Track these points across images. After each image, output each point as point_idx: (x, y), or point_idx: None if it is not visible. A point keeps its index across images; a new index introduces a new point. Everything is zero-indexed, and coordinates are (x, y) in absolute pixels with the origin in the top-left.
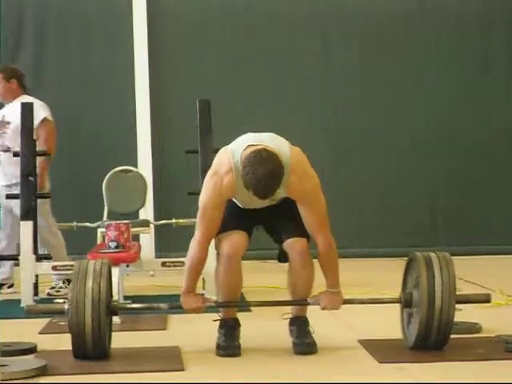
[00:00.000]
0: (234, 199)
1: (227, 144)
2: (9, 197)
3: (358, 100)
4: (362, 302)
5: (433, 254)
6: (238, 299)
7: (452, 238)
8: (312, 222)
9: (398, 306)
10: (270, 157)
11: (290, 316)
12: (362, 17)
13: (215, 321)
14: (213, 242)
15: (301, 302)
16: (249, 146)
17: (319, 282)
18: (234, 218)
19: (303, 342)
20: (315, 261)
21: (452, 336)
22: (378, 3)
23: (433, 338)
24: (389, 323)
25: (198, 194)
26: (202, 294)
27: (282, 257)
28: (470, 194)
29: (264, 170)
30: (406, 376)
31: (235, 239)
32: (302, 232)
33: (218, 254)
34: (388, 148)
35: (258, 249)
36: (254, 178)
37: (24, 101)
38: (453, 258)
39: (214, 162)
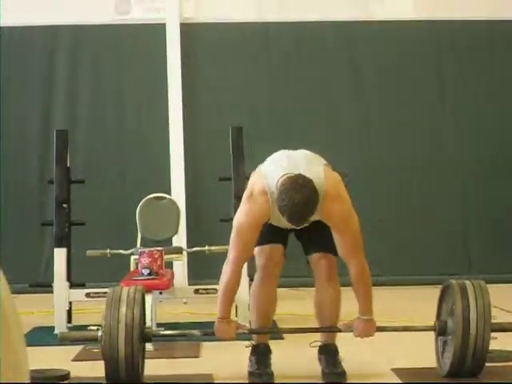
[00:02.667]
0: (271, 222)
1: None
2: (43, 224)
3: (390, 123)
4: (396, 329)
5: (468, 282)
6: (271, 323)
7: (486, 265)
8: (345, 247)
9: (431, 335)
10: (306, 185)
11: (319, 343)
12: (391, 40)
13: (247, 347)
14: (245, 267)
15: (333, 329)
16: (287, 176)
17: (350, 310)
18: (269, 231)
19: (333, 372)
20: (348, 289)
21: (487, 364)
22: (407, 27)
23: (467, 366)
24: (422, 351)
25: (230, 220)
26: (236, 321)
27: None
28: (505, 220)
29: (299, 199)
30: None
31: (274, 254)
32: (329, 248)
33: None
34: (421, 173)
35: (288, 276)
36: (289, 206)
37: None
38: (487, 285)
39: (249, 183)
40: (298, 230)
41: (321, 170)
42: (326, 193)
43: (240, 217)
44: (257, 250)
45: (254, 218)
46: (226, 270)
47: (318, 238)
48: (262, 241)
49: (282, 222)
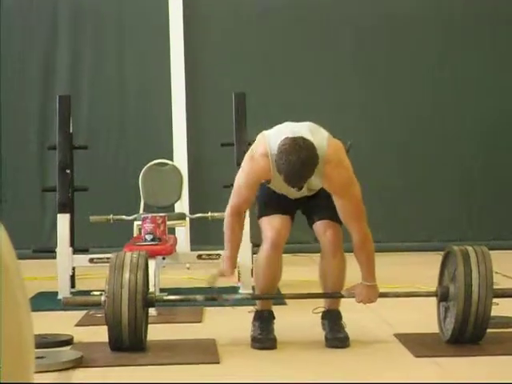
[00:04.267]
0: (272, 186)
1: None
2: (45, 190)
3: (397, 90)
4: (398, 295)
5: (470, 248)
6: (275, 291)
7: (488, 231)
8: (347, 214)
9: (433, 300)
10: (306, 146)
11: (323, 309)
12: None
13: (250, 312)
14: (248, 235)
15: (336, 294)
16: (287, 137)
17: (353, 276)
18: (276, 201)
19: (335, 337)
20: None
21: (488, 330)
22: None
23: (469, 332)
24: (424, 317)
25: (232, 186)
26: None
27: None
28: (508, 187)
29: (297, 158)
30: (441, 370)
31: (280, 224)
32: (333, 216)
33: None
34: (424, 140)
35: (291, 242)
36: (286, 164)
37: None
38: (489, 251)
39: (252, 146)
40: (302, 201)
41: (324, 138)
42: (328, 158)
43: (240, 176)
44: (263, 220)
45: (253, 177)
46: (226, 219)
47: (321, 207)
48: (268, 211)
49: (285, 188)
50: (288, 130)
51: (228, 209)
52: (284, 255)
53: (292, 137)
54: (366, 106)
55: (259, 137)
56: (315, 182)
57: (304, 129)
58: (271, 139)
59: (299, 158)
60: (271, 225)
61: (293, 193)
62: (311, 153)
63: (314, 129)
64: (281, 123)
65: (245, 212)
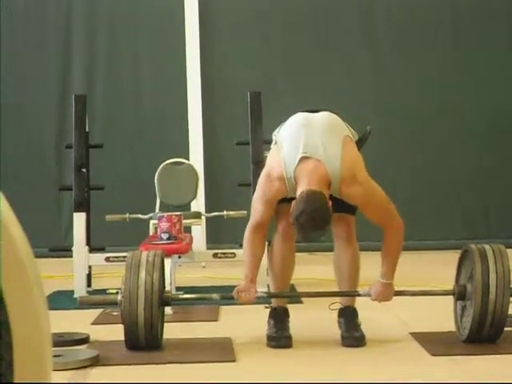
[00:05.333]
0: None
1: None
2: (61, 189)
3: (412, 87)
4: (414, 293)
5: (487, 247)
6: (289, 286)
7: (505, 229)
8: (375, 219)
9: (450, 299)
10: (317, 210)
11: (339, 306)
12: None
13: (266, 307)
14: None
15: (352, 293)
16: (302, 158)
17: (369, 275)
18: None
19: (351, 336)
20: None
21: (506, 329)
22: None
23: (486, 330)
24: (441, 316)
25: (248, 185)
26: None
27: None
28: None
29: (308, 224)
30: (458, 369)
31: (287, 213)
32: (347, 209)
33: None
34: (440, 138)
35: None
36: (299, 227)
37: None
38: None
39: (268, 160)
40: None
41: (338, 152)
42: (342, 177)
43: (257, 194)
44: (276, 211)
45: (269, 196)
46: (246, 235)
47: (336, 199)
48: (281, 201)
49: None
50: (302, 139)
51: (247, 226)
52: (299, 254)
53: (305, 197)
54: (379, 104)
55: (273, 150)
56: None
57: (317, 140)
58: (286, 160)
59: (311, 225)
60: (282, 212)
61: None
62: (323, 213)
63: (328, 135)
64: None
65: (266, 228)
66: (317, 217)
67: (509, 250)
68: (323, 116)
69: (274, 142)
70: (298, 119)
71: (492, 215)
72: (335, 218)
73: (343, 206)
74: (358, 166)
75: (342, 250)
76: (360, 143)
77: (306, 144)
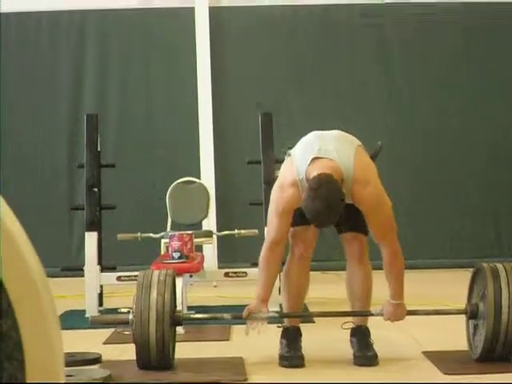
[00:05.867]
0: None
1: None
2: (73, 208)
3: (421, 104)
4: (427, 313)
5: (500, 265)
6: (302, 306)
7: None
8: (377, 231)
9: (461, 318)
10: (329, 190)
11: (351, 325)
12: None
13: (279, 327)
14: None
15: (364, 312)
16: (314, 159)
17: (381, 293)
18: (302, 213)
19: (364, 355)
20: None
21: None
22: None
23: (499, 349)
24: (454, 335)
25: (259, 204)
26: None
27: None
28: None
29: (322, 206)
30: None
31: (305, 235)
32: (360, 228)
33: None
34: (450, 156)
35: (319, 260)
36: (313, 212)
37: None
38: None
39: (280, 172)
40: None
41: (351, 154)
42: (355, 178)
43: (271, 207)
44: (290, 231)
45: (284, 206)
46: (262, 253)
47: (350, 218)
48: (295, 222)
49: None
50: (316, 145)
51: (264, 245)
52: (312, 273)
53: (317, 178)
54: (390, 124)
55: (287, 162)
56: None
57: (332, 142)
58: (298, 163)
59: (324, 205)
60: (297, 234)
61: None
62: (335, 199)
63: (341, 142)
64: (306, 134)
65: (282, 246)
66: (329, 196)
67: None
68: (336, 131)
69: (287, 155)
70: (311, 134)
71: (502, 233)
72: (349, 237)
73: (356, 225)
74: (372, 170)
75: (355, 269)
76: (372, 159)
77: (319, 148)
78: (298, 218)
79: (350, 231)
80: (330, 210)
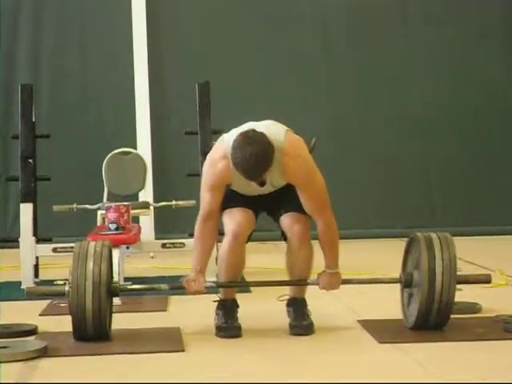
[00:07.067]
0: (235, 189)
1: (225, 124)
2: (8, 179)
3: (357, 77)
4: (361, 281)
5: (434, 235)
6: (239, 280)
7: (451, 218)
8: (311, 204)
9: (397, 287)
10: (257, 137)
11: (288, 297)
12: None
13: (215, 301)
14: None
15: (300, 282)
16: (243, 132)
17: (320, 264)
18: (240, 197)
19: (300, 324)
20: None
21: (452, 316)
22: None
23: (433, 318)
24: (388, 304)
25: (197, 175)
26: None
27: (285, 235)
28: (470, 174)
29: (251, 151)
30: (405, 356)
31: (242, 217)
32: (300, 208)
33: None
34: (384, 127)
35: (256, 230)
36: (241, 158)
37: None
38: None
39: (211, 151)
40: (267, 200)
41: (282, 133)
42: (286, 150)
43: (202, 181)
44: (225, 213)
45: (214, 180)
46: (195, 227)
47: (287, 199)
48: (230, 205)
49: (248, 187)
50: (244, 128)
51: (197, 218)
52: (249, 243)
53: (243, 131)
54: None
55: (218, 141)
56: (277, 178)
57: (261, 125)
58: (228, 138)
59: (253, 150)
60: (232, 217)
61: (256, 190)
62: (264, 143)
63: (272, 124)
64: (247, 115)
65: (215, 219)
66: (259, 142)
67: (454, 239)
68: (268, 121)
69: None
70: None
71: (437, 204)
72: (289, 219)
73: (297, 205)
74: (302, 146)
75: (295, 251)
76: None
77: (252, 125)
78: (233, 200)
79: (290, 212)
80: (260, 157)
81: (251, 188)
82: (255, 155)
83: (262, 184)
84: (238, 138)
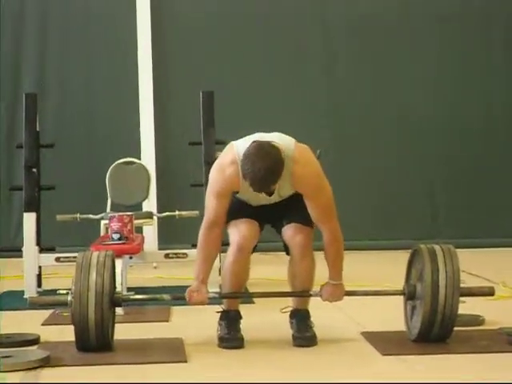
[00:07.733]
0: (241, 197)
1: (229, 135)
2: (12, 188)
3: (359, 89)
4: (365, 293)
5: (437, 247)
6: (242, 291)
7: (454, 230)
8: (317, 213)
9: (401, 299)
10: (271, 150)
11: (291, 308)
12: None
13: (218, 312)
14: None
15: (303, 293)
16: (254, 142)
17: (323, 276)
18: (245, 209)
19: (303, 336)
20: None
21: (455, 328)
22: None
23: (436, 330)
24: (392, 316)
25: (200, 185)
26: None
27: (287, 249)
28: (473, 185)
29: (262, 164)
30: (408, 368)
31: (247, 229)
32: (303, 219)
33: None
34: (388, 139)
35: (259, 241)
36: (251, 170)
37: None
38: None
39: (219, 157)
40: (272, 211)
41: (291, 143)
42: (296, 158)
43: (209, 186)
44: (230, 224)
45: (221, 186)
46: (199, 234)
47: (290, 210)
48: (235, 216)
49: (254, 197)
50: (257, 137)
51: (201, 225)
52: (252, 254)
53: (257, 142)
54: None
55: (227, 147)
56: (285, 187)
57: (272, 135)
58: (239, 147)
59: (263, 164)
60: (237, 229)
61: (263, 199)
62: (276, 158)
63: (282, 136)
64: (250, 125)
65: (220, 227)
66: (270, 155)
67: (458, 251)
68: (276, 133)
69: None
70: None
71: (441, 216)
72: (291, 230)
73: (300, 216)
74: (312, 155)
75: (297, 262)
76: None
77: (260, 136)
78: (239, 211)
79: (293, 223)
80: (270, 171)
81: (258, 197)
82: (265, 170)
83: (270, 194)
84: (251, 147)
